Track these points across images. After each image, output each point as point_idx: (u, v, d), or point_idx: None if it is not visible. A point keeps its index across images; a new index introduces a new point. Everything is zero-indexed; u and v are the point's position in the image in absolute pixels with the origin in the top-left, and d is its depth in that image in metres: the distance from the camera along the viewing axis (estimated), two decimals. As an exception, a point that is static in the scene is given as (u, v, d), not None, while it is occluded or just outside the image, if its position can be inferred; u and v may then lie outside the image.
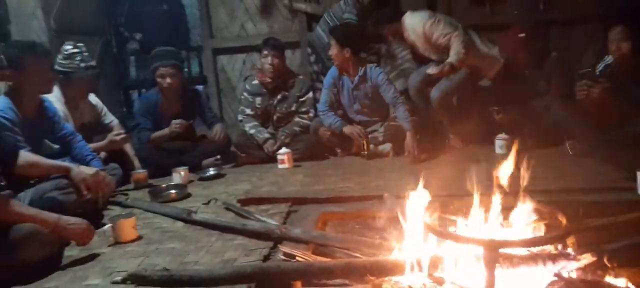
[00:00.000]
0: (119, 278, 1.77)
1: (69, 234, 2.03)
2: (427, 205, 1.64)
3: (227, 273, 1.66)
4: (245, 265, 1.76)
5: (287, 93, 3.93)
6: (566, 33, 4.51)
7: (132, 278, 1.73)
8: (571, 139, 3.22)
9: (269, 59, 3.80)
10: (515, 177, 1.64)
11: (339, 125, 3.72)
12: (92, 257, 2.06)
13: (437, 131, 3.94)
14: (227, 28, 5.10)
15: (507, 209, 1.59)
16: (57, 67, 3.04)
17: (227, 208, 2.60)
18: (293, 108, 3.95)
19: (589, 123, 3.11)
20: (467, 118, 3.76)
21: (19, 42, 2.67)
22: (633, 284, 1.47)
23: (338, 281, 1.66)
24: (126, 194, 3.10)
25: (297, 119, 3.94)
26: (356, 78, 3.72)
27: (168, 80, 3.62)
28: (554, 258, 1.50)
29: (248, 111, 3.95)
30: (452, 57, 3.47)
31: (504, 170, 1.65)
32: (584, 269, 1.51)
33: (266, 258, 1.94)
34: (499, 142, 3.38)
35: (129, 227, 2.24)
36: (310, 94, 4.01)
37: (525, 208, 1.57)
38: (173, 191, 3.03)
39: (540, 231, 1.55)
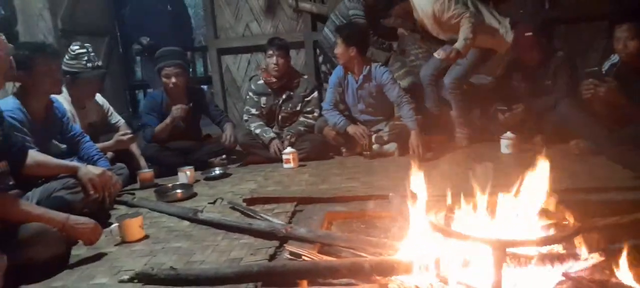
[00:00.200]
0: (126, 277, 1.77)
1: (77, 233, 2.04)
2: (433, 204, 1.64)
3: (233, 272, 1.67)
4: (251, 264, 1.77)
5: (292, 93, 3.94)
6: (571, 32, 4.50)
7: (139, 277, 1.74)
8: (577, 138, 3.21)
9: (274, 58, 3.81)
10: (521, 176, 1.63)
11: (343, 125, 3.72)
12: (99, 256, 2.07)
13: (443, 129, 3.93)
14: (232, 28, 5.12)
15: (514, 209, 1.58)
16: (64, 67, 3.06)
17: (233, 208, 2.61)
18: (298, 108, 3.96)
19: (595, 122, 3.09)
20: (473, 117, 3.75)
21: (29, 43, 2.69)
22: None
23: (344, 280, 1.66)
24: (133, 194, 3.11)
25: (302, 119, 3.95)
26: (361, 77, 3.72)
27: (173, 80, 3.64)
28: (561, 258, 1.50)
29: (253, 111, 3.96)
30: (459, 43, 3.42)
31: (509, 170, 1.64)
32: (592, 269, 1.51)
33: (272, 257, 1.94)
34: (505, 141, 3.37)
35: (135, 227, 2.25)
36: (315, 94, 4.01)
37: (532, 208, 1.56)
38: (179, 191, 3.05)
39: (548, 230, 1.54)
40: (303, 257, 1.80)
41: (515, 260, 1.47)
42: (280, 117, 3.97)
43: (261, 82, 3.95)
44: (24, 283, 1.82)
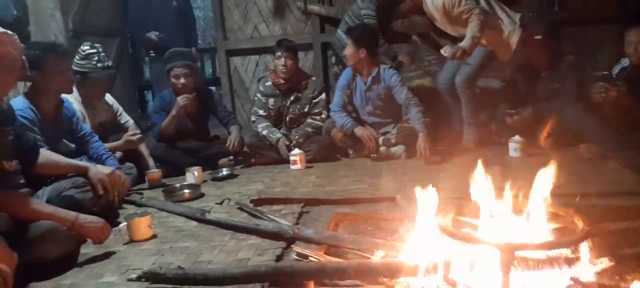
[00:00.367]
0: (134, 276, 1.78)
1: (86, 232, 2.06)
2: (441, 206, 1.63)
3: (241, 272, 1.67)
4: (258, 265, 1.77)
5: (300, 94, 3.95)
6: (580, 34, 4.46)
7: (147, 276, 1.74)
8: (586, 141, 3.18)
9: (282, 60, 3.83)
10: (530, 180, 1.63)
11: (350, 126, 3.72)
12: (107, 255, 2.09)
13: (451, 132, 3.92)
14: (241, 30, 5.14)
15: (523, 212, 1.57)
16: (74, 67, 3.09)
17: (240, 208, 2.62)
18: (306, 109, 3.97)
19: (605, 126, 3.07)
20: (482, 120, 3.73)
21: (40, 43, 2.72)
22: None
23: (350, 282, 1.66)
24: (141, 193, 3.14)
25: (309, 120, 3.95)
26: (369, 79, 3.72)
27: (182, 80, 3.66)
28: (570, 262, 1.49)
29: (261, 112, 3.98)
30: (465, 41, 3.38)
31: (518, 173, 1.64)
32: (601, 274, 1.50)
33: (279, 258, 1.95)
34: (513, 144, 3.36)
35: (143, 226, 2.27)
36: (323, 96, 4.02)
37: (541, 211, 1.55)
38: (187, 191, 3.06)
39: (557, 234, 1.54)
40: (310, 258, 1.80)
41: (523, 263, 1.47)
42: (288, 118, 3.98)
43: (269, 83, 3.96)
44: (33, 281, 1.84)
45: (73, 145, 2.86)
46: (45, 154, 2.30)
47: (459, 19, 3.46)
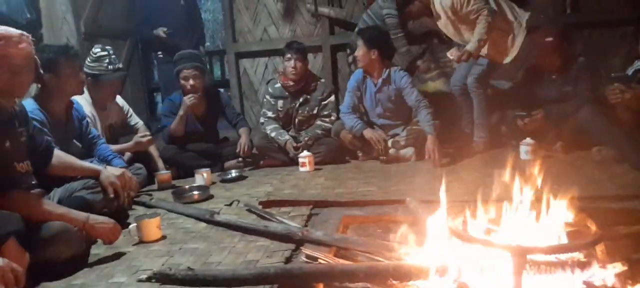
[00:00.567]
0: (144, 276, 1.79)
1: (97, 233, 2.07)
2: (452, 210, 1.62)
3: (250, 274, 1.67)
4: (268, 267, 1.77)
5: (309, 96, 3.95)
6: (593, 36, 4.41)
7: (157, 277, 1.76)
8: (599, 144, 3.14)
9: (292, 62, 3.83)
10: (543, 183, 1.61)
11: (359, 128, 3.71)
12: (117, 256, 2.10)
13: (461, 135, 3.89)
14: (250, 32, 5.15)
15: (535, 215, 1.56)
16: (86, 69, 3.11)
17: (249, 210, 2.62)
18: (315, 111, 3.97)
19: (618, 129, 3.03)
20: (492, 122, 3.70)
21: (53, 46, 2.75)
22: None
23: (360, 285, 1.65)
24: (150, 195, 3.15)
25: (319, 122, 3.95)
26: (380, 80, 3.71)
27: (191, 82, 3.68)
28: (583, 265, 1.47)
29: (269, 114, 3.99)
30: (471, 44, 3.38)
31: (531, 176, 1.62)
32: (614, 278, 1.47)
33: (288, 260, 1.94)
34: (524, 147, 3.32)
35: (153, 227, 2.28)
36: (332, 98, 4.02)
37: (554, 215, 1.53)
38: (196, 192, 3.07)
39: (570, 238, 1.52)
40: (319, 260, 1.80)
41: (535, 267, 1.45)
42: (296, 120, 3.99)
43: (278, 85, 3.97)
44: (45, 281, 1.86)
45: (80, 145, 2.88)
46: (59, 155, 2.32)
47: (466, 20, 3.45)
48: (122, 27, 5.05)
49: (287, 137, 3.85)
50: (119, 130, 3.47)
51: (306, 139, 3.82)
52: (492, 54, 3.57)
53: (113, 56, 3.24)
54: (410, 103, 3.64)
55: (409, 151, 3.66)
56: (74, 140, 2.83)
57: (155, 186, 3.37)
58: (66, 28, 4.22)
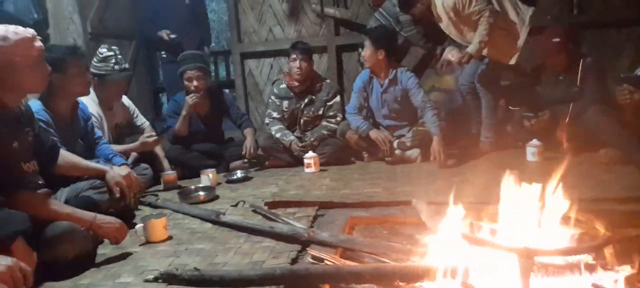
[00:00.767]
0: (151, 276, 1.80)
1: (103, 232, 2.08)
2: (459, 211, 1.62)
3: (256, 274, 1.68)
4: (274, 267, 1.77)
5: (314, 97, 3.95)
6: (600, 37, 4.39)
7: (163, 277, 1.76)
8: (606, 146, 3.12)
9: (297, 62, 3.83)
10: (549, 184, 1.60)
11: (365, 129, 3.71)
12: (124, 256, 2.11)
13: (467, 136, 3.88)
14: (256, 32, 5.16)
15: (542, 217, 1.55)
16: (92, 69, 3.13)
17: (255, 211, 2.63)
18: (320, 112, 3.97)
19: (626, 130, 3.01)
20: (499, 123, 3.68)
21: (60, 46, 2.76)
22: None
23: (366, 286, 1.65)
24: (156, 195, 3.16)
25: (324, 123, 3.95)
26: (386, 81, 3.71)
27: (195, 82, 3.69)
28: (591, 268, 1.46)
29: (275, 114, 3.99)
30: (472, 46, 3.37)
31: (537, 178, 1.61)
32: (622, 281, 1.46)
33: (294, 261, 1.94)
34: (531, 149, 3.31)
35: (159, 227, 2.29)
36: (338, 98, 4.01)
37: (561, 216, 1.52)
38: (202, 193, 3.08)
39: (578, 240, 1.51)
40: (325, 262, 1.80)
41: (543, 269, 1.44)
42: (302, 121, 3.99)
43: (284, 85, 3.97)
44: (51, 281, 1.87)
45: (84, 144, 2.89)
46: (65, 156, 2.34)
47: (468, 20, 3.44)
48: (128, 27, 5.08)
49: (292, 137, 3.85)
50: (125, 130, 3.48)
51: (311, 139, 3.82)
52: (496, 54, 3.56)
53: (119, 56, 3.25)
54: (416, 104, 3.64)
55: (414, 152, 3.66)
56: (79, 140, 2.85)
57: (161, 186, 3.38)
58: (73, 28, 4.24)
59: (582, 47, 3.83)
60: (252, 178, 3.54)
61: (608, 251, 1.53)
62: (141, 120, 3.65)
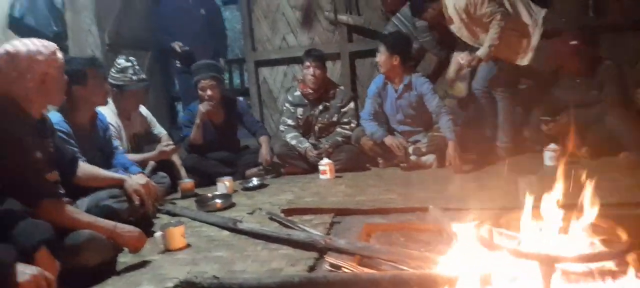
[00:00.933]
0: (170, 284, 1.82)
1: (123, 241, 2.10)
2: (478, 217, 1.61)
3: (275, 282, 1.68)
4: (292, 275, 1.78)
5: (328, 104, 3.97)
6: (618, 39, 4.32)
7: (183, 285, 1.78)
8: (626, 149, 3.07)
9: (311, 70, 3.86)
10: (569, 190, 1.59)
11: (380, 135, 3.71)
12: (143, 264, 2.14)
13: (484, 140, 3.85)
14: (269, 41, 5.20)
15: (563, 223, 1.53)
16: (110, 80, 3.19)
17: (271, 218, 2.64)
18: (334, 118, 3.98)
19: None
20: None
21: (79, 58, 2.82)
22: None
23: (385, 293, 1.64)
24: (174, 203, 3.20)
25: (339, 130, 3.96)
26: (401, 86, 3.71)
27: (209, 92, 3.74)
28: (614, 275, 1.44)
29: (289, 122, 4.01)
30: (482, 50, 3.37)
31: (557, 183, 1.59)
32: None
33: (312, 268, 1.94)
34: (549, 153, 3.27)
35: (178, 235, 2.31)
36: (352, 105, 4.03)
37: (582, 223, 1.50)
38: (219, 200, 3.10)
39: (600, 246, 1.49)
40: (343, 269, 1.80)
41: (565, 276, 1.42)
42: (316, 128, 4.00)
43: (298, 93, 3.99)
44: (74, 288, 1.90)
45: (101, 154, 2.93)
46: (84, 167, 2.38)
47: (479, 22, 3.42)
48: (144, 38, 5.14)
49: (307, 144, 3.87)
50: (143, 140, 3.53)
51: (326, 146, 3.83)
52: (509, 55, 3.53)
53: (137, 67, 3.30)
54: (431, 109, 3.62)
55: (430, 158, 3.64)
56: (98, 151, 2.89)
57: (178, 194, 3.41)
58: (91, 40, 4.32)
59: (599, 50, 3.78)
60: (267, 185, 3.56)
61: (631, 257, 1.51)
62: (158, 129, 3.70)
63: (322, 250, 2.06)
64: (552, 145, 3.28)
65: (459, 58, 3.60)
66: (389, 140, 3.68)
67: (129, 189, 2.43)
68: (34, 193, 1.87)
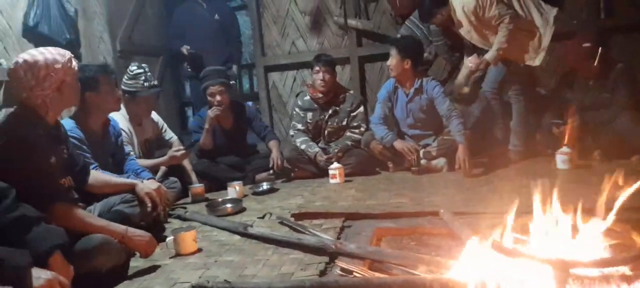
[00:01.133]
0: (183, 289, 1.83)
1: (134, 245, 2.12)
2: (489, 222, 1.60)
3: (286, 286, 1.69)
4: (303, 279, 1.78)
5: (338, 108, 3.97)
6: (629, 42, 4.28)
7: (195, 289, 1.78)
8: (639, 153, 3.04)
9: (321, 74, 3.87)
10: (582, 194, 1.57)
11: (390, 139, 3.70)
12: (155, 268, 2.15)
13: (494, 144, 3.83)
14: (279, 46, 5.23)
15: (576, 227, 1.52)
16: (123, 86, 3.23)
17: (282, 223, 2.64)
18: (344, 123, 3.98)
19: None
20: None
21: (91, 66, 2.85)
22: None
23: (396, 298, 1.64)
24: (185, 207, 3.21)
25: (348, 134, 3.96)
26: (411, 90, 3.70)
27: (218, 97, 3.76)
28: (629, 280, 1.42)
29: (299, 126, 4.02)
30: (490, 53, 3.36)
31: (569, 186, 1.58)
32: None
33: (322, 273, 1.94)
34: (561, 156, 3.24)
35: (189, 240, 2.32)
36: (361, 109, 4.03)
37: (596, 227, 1.49)
38: (229, 205, 3.11)
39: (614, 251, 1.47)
40: (354, 274, 1.80)
41: (578, 281, 1.41)
42: (326, 132, 4.01)
43: (307, 97, 4.00)
44: (87, 292, 1.91)
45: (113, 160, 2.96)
46: (95, 174, 2.42)
47: (488, 24, 3.41)
48: (155, 45, 5.20)
49: (317, 149, 3.87)
50: (154, 145, 3.57)
51: (336, 150, 3.83)
52: (519, 56, 3.51)
53: (149, 73, 3.34)
54: (442, 112, 3.61)
55: (440, 162, 3.63)
56: (110, 157, 2.92)
57: (189, 199, 3.44)
58: (103, 47, 4.38)
59: (611, 52, 3.74)
60: (277, 190, 3.57)
61: (646, 262, 1.49)
62: (169, 134, 3.73)
63: (332, 255, 2.05)
64: (565, 149, 3.25)
65: (467, 61, 3.59)
66: (399, 144, 3.67)
67: (141, 193, 2.45)
68: (47, 197, 1.89)
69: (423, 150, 3.68)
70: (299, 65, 5.15)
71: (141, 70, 3.29)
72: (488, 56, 3.37)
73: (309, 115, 4.00)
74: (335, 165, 3.63)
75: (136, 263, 2.21)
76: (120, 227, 2.10)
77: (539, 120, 3.70)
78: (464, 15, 3.47)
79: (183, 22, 4.95)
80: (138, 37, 4.84)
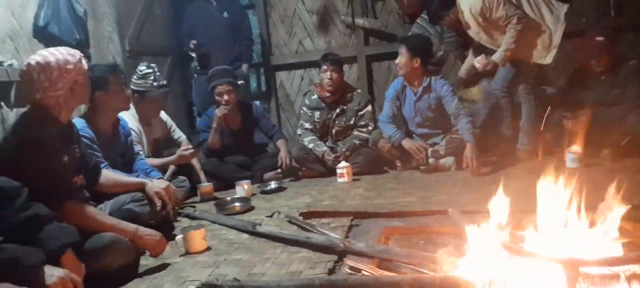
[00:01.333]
0: (192, 287, 1.84)
1: (144, 244, 2.14)
2: (498, 220, 1.59)
3: (295, 285, 1.69)
4: (312, 278, 1.78)
5: (345, 107, 3.98)
6: (638, 39, 4.25)
7: (205, 287, 1.79)
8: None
9: (328, 73, 3.87)
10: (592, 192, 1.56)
11: (398, 138, 3.70)
12: (165, 267, 2.17)
13: (503, 142, 3.81)
14: (286, 45, 5.24)
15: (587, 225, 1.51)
16: (132, 86, 3.25)
17: (290, 221, 2.65)
18: (351, 122, 3.98)
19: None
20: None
21: (100, 65, 2.88)
22: None
23: (405, 296, 1.64)
24: (194, 206, 3.24)
25: (356, 133, 3.97)
26: (420, 89, 3.70)
27: (225, 97, 3.78)
28: (639, 278, 1.41)
29: (307, 125, 4.03)
30: (497, 54, 3.35)
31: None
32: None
33: (331, 271, 1.94)
34: (571, 155, 3.21)
35: (199, 239, 2.34)
36: (369, 108, 4.03)
37: (607, 225, 1.48)
38: (238, 204, 3.13)
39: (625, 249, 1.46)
40: (363, 272, 1.80)
41: (588, 280, 1.40)
42: (334, 131, 4.01)
43: (315, 97, 4.01)
44: (98, 289, 1.93)
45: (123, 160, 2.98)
46: (106, 174, 2.44)
47: (496, 25, 3.39)
48: (164, 45, 5.23)
49: (325, 148, 3.88)
50: (163, 144, 3.59)
51: (344, 149, 3.83)
52: (529, 55, 3.49)
53: (158, 73, 3.36)
54: (450, 111, 3.60)
55: (449, 160, 3.62)
56: (120, 157, 2.95)
57: (198, 198, 3.46)
58: (112, 47, 4.42)
59: (620, 49, 3.71)
60: (285, 188, 3.58)
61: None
62: (178, 134, 3.76)
63: (341, 253, 2.06)
64: (574, 147, 3.22)
65: (475, 62, 3.58)
66: (407, 143, 3.67)
67: (150, 192, 2.47)
68: (59, 196, 1.92)
69: (431, 149, 3.67)
70: (306, 65, 5.16)
71: (150, 70, 3.31)
72: (495, 57, 3.35)
73: (317, 114, 4.01)
74: (343, 164, 3.63)
75: (146, 261, 2.23)
76: (130, 226, 2.12)
77: (548, 119, 3.67)
78: (471, 17, 3.46)
79: (193, 21, 4.93)
80: (146, 37, 4.87)
